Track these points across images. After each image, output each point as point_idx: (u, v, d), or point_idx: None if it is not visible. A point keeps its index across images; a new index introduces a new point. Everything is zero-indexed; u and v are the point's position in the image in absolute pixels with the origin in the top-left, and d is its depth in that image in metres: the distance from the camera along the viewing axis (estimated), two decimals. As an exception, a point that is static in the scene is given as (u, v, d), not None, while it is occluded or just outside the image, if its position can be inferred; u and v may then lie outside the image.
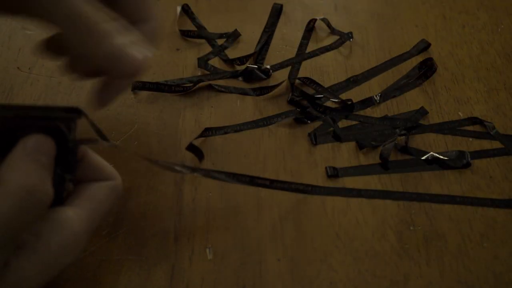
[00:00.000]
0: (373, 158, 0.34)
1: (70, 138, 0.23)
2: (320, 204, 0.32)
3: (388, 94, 0.38)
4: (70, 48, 0.23)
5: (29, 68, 0.37)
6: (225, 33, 0.41)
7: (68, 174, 0.23)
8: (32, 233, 0.21)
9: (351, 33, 0.42)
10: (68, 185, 0.23)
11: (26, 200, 0.19)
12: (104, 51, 0.22)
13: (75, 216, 0.22)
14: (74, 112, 0.23)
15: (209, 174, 0.28)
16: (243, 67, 0.39)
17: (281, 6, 0.43)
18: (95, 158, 0.25)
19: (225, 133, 0.35)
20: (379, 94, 0.38)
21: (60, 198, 0.23)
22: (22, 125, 0.22)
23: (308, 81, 0.38)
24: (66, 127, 0.22)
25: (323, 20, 0.42)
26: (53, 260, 0.21)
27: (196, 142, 0.34)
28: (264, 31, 0.41)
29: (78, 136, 0.23)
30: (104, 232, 0.29)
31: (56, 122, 0.22)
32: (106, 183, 0.25)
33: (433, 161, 0.34)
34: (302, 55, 0.40)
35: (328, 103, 0.37)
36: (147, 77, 0.37)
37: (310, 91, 0.38)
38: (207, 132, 0.34)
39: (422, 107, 0.37)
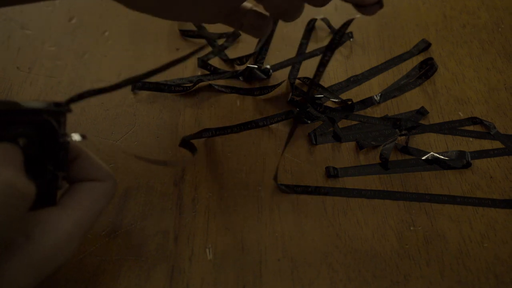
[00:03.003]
0: (373, 158, 0.34)
1: (60, 132, 0.22)
2: (320, 204, 0.32)
3: (388, 94, 0.38)
4: None
5: (28, 68, 0.37)
6: (225, 33, 0.41)
7: (61, 171, 0.23)
8: (23, 234, 0.21)
9: (351, 33, 0.42)
10: (62, 182, 0.23)
11: (7, 194, 0.19)
12: None
13: (67, 217, 0.22)
14: (62, 106, 0.22)
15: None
16: (243, 67, 0.39)
17: (281, 5, 0.43)
18: (90, 157, 0.24)
19: (225, 133, 0.35)
20: (379, 94, 0.38)
21: (53, 197, 0.23)
22: (10, 121, 0.21)
23: (308, 81, 0.38)
24: (55, 121, 0.22)
25: (323, 20, 0.42)
26: (44, 262, 0.21)
27: (197, 142, 0.34)
28: (264, 31, 0.41)
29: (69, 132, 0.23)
30: (104, 232, 0.29)
31: (45, 116, 0.22)
32: (101, 183, 0.24)
33: (434, 161, 0.34)
34: (302, 55, 0.40)
35: (328, 103, 0.37)
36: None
37: (310, 91, 0.38)
38: (207, 132, 0.34)
39: (422, 107, 0.37)
